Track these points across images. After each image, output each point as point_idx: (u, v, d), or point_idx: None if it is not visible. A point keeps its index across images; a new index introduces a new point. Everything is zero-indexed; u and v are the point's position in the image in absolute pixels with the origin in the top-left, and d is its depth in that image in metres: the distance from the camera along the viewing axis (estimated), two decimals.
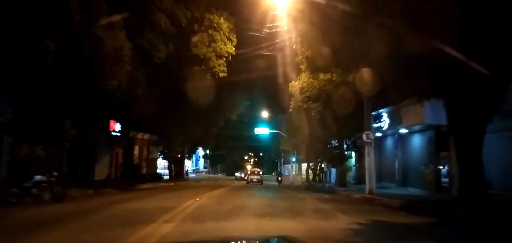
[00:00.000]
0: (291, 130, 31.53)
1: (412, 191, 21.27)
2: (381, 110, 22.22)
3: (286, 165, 69.89)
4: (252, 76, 32.27)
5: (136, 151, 38.01)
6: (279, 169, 56.01)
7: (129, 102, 24.77)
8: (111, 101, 16.43)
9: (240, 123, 52.55)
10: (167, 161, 44.93)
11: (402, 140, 23.78)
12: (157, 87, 19.70)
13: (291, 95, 21.76)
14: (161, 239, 6.45)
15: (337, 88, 17.50)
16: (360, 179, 27.35)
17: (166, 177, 42.67)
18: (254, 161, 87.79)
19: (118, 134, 29.85)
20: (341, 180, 21.96)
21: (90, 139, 19.50)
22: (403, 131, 22.69)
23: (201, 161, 76.29)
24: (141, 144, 38.48)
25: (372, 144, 17.22)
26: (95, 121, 20.07)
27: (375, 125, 22.31)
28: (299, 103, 19.84)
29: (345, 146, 24.71)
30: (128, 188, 24.05)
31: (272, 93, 33.65)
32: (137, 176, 34.98)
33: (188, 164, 75.15)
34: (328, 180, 41.58)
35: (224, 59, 19.58)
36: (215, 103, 34.55)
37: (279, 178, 39.02)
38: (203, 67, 18.77)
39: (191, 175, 60.43)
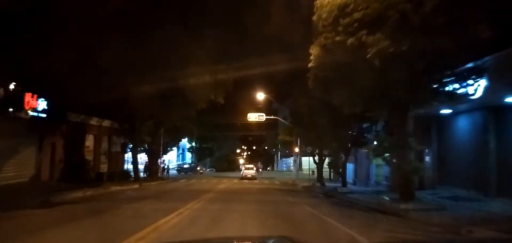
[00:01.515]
0: (301, 106, 21.30)
1: None
2: (469, 64, 11.77)
3: (284, 160, 59.71)
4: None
5: (90, 142, 27.49)
6: (260, 163, 58.60)
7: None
8: None
9: (229, 108, 42.24)
10: (145, 155, 34.46)
11: (501, 120, 13.59)
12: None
13: (314, 29, 11.30)
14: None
15: None
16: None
17: (141, 175, 32.28)
18: (247, 155, 77.41)
19: (43, 115, 19.31)
20: (403, 187, 11.68)
21: None
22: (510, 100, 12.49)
23: (188, 155, 65.57)
24: (97, 133, 27.96)
25: None
26: None
27: (459, 90, 12.04)
28: (338, 38, 9.44)
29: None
30: (35, 201, 13.62)
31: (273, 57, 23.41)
32: (90, 176, 24.59)
33: (172, 158, 64.69)
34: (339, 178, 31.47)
35: None
36: (193, 72, 24.29)
37: (260, 170, 43.95)
38: None
39: (174, 172, 49.78)
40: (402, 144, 11.72)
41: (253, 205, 12.36)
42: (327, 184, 25.08)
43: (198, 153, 57.83)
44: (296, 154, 32.44)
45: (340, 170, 19.80)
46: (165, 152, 48.53)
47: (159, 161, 37.88)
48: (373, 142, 22.49)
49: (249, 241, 4.43)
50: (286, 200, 14.84)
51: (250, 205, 12.28)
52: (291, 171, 51.50)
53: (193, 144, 56.84)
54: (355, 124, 19.55)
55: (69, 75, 21.11)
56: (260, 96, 32.56)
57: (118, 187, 22.25)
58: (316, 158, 33.23)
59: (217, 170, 56.23)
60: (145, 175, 30.40)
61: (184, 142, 60.29)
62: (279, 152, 57.85)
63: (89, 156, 26.52)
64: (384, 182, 22.37)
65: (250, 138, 63.69)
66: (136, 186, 24.75)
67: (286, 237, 3.77)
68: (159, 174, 34.62)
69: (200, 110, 34.20)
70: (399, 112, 11.82)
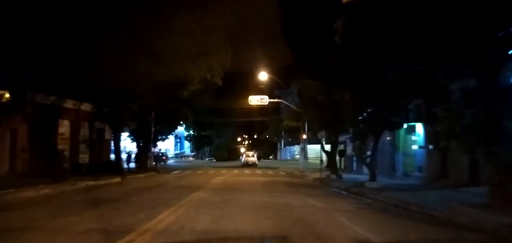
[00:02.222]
0: (312, 86, 16.81)
1: None
2: None
3: (288, 148, 55.11)
4: None
5: (65, 128, 23.02)
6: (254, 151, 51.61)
7: None
8: None
9: (229, 92, 37.70)
10: (134, 143, 29.87)
11: None
12: None
13: None
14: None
15: None
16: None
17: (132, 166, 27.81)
18: (249, 143, 72.80)
19: None
20: (499, 188, 7.20)
21: None
22: None
23: (187, 144, 60.92)
24: (74, 117, 23.43)
25: None
26: None
27: None
28: None
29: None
30: None
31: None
32: (64, 169, 20.22)
33: (169, 147, 60.36)
34: (352, 168, 27.13)
35: None
36: (184, 47, 19.78)
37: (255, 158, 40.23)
38: None
39: (170, 162, 45.27)
40: (496, 123, 7.14)
41: (262, 216, 7.81)
42: (343, 175, 20.58)
43: (196, 142, 53.18)
44: (304, 141, 27.94)
45: (368, 159, 15.21)
46: (157, 140, 43.94)
47: (155, 150, 33.53)
48: (404, 124, 17.96)
49: (249, 241, 4.20)
50: (307, 204, 10.26)
51: (258, 217, 7.70)
52: (296, 160, 47.00)
53: (191, 132, 52.20)
54: (382, 101, 14.93)
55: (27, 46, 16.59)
56: (263, 76, 27.92)
57: (92, 182, 17.70)
58: (327, 146, 28.72)
59: (217, 160, 51.77)
60: (128, 166, 25.86)
61: (182, 130, 55.79)
62: (282, 140, 53.29)
63: (63, 145, 22.04)
64: (416, 174, 17.88)
65: (252, 125, 59.17)
66: (118, 179, 20.30)
67: (286, 237, 3.95)
68: (153, 164, 30.21)
69: (196, 93, 29.70)
70: (491, 69, 7.23)
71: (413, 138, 18.45)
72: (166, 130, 42.00)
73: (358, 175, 22.01)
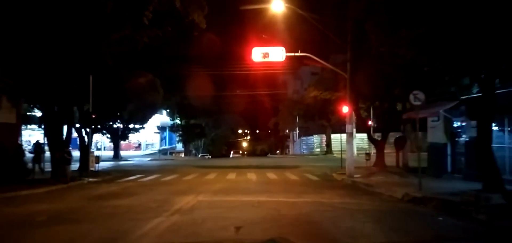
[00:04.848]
0: None
1: None
2: None
3: (303, 139, 41.01)
4: None
5: None
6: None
7: None
8: None
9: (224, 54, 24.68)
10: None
11: None
12: None
13: None
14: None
15: None
16: None
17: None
18: (252, 138, 59.00)
19: None
20: None
21: None
22: None
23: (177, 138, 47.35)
24: None
25: None
26: None
27: None
28: None
29: None
30: None
31: None
32: None
33: (154, 141, 47.35)
34: (446, 169, 13.94)
35: None
36: None
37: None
38: None
39: (145, 160, 32.10)
40: None
41: None
42: (435, 181, 7.39)
43: (185, 133, 39.53)
44: (351, 120, 14.83)
45: None
46: (128, 132, 30.62)
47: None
48: None
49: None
50: None
51: None
52: (316, 154, 33.70)
53: (178, 120, 38.70)
54: None
55: None
56: (278, 6, 14.71)
57: None
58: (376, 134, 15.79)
59: (213, 156, 38.67)
60: (34, 169, 12.75)
61: (167, 119, 42.53)
62: (297, 129, 39.84)
63: None
64: None
65: (256, 113, 45.79)
66: None
67: (284, 238, 3.57)
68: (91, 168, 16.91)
69: (166, 43, 16.96)
70: None
71: None
72: (140, 115, 28.90)
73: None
